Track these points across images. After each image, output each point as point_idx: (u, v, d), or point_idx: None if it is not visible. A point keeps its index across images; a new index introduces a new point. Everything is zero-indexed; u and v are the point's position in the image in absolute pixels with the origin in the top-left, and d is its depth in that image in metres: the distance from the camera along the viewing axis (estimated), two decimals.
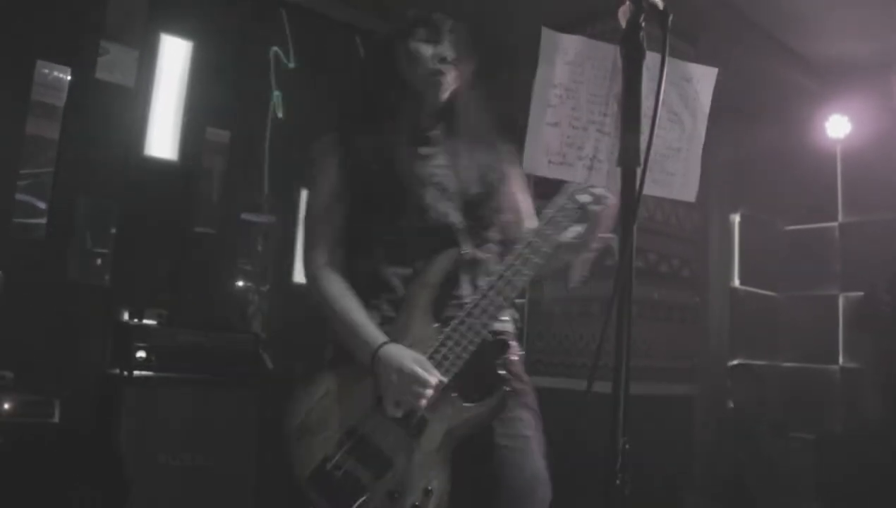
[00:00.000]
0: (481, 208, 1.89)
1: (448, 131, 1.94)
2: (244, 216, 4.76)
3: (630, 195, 1.30)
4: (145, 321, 3.92)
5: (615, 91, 1.39)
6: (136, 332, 3.80)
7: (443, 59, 1.87)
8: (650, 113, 1.29)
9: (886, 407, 4.54)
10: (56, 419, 3.49)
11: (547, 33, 1.35)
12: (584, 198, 1.59)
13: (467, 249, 1.83)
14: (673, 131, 1.42)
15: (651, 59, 1.32)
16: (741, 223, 5.87)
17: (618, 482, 1.29)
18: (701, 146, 1.46)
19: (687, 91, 1.43)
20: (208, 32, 4.54)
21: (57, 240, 4.03)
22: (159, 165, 4.32)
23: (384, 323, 1.80)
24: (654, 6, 1.29)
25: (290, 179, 4.85)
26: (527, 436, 1.83)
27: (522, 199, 2.01)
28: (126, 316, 4.03)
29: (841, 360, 5.66)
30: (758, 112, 5.47)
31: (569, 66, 1.36)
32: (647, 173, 1.27)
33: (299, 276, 4.90)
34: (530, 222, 1.95)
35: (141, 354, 3.76)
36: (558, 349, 4.70)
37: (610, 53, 1.37)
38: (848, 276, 5.70)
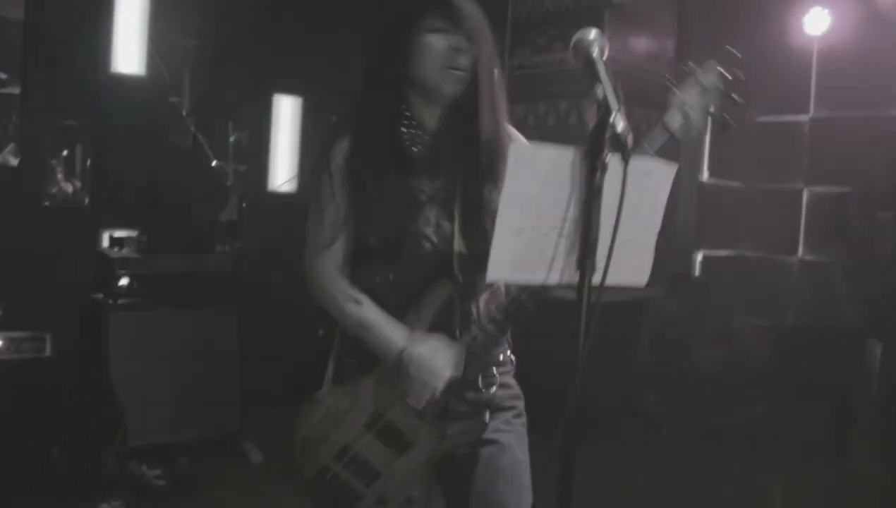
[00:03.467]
0: (479, 230, 1.87)
1: (452, 135, 1.88)
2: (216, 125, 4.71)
3: (587, 296, 1.40)
4: (125, 249, 4.00)
5: (576, 196, 1.45)
6: (118, 262, 3.89)
7: (458, 49, 1.81)
8: (609, 211, 1.37)
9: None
10: (48, 352, 3.66)
11: (513, 147, 1.40)
12: None
13: (460, 278, 1.85)
14: (630, 223, 1.49)
15: (613, 161, 1.38)
16: (713, 114, 5.87)
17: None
18: (656, 234, 1.54)
19: (646, 184, 1.49)
20: None
21: (30, 166, 4.02)
22: (128, 81, 4.25)
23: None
24: (618, 137, 1.33)
25: (261, 86, 4.81)
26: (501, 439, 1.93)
27: None
28: (106, 242, 4.11)
29: (801, 253, 5.89)
30: (736, 7, 5.38)
31: (533, 175, 1.42)
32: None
33: (274, 183, 4.95)
34: None
35: (123, 282, 3.88)
36: None
37: (574, 159, 1.42)
38: (814, 171, 5.82)
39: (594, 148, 1.37)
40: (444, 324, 1.85)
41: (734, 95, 1.78)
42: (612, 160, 1.36)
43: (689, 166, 5.73)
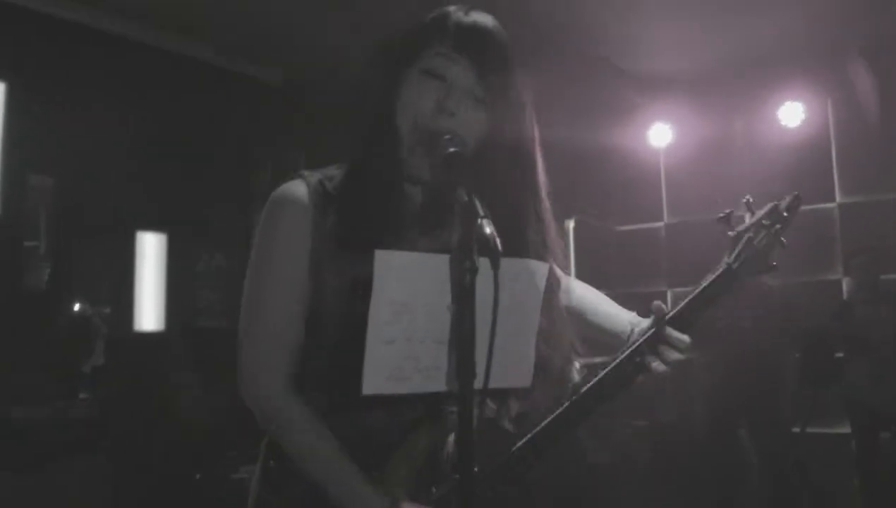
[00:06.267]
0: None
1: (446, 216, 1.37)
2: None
3: (468, 406, 1.32)
4: None
5: (449, 301, 1.41)
6: None
7: (445, 110, 1.37)
8: (486, 317, 1.34)
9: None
10: None
11: (379, 254, 1.36)
12: None
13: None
14: (510, 325, 1.48)
15: (484, 264, 1.35)
16: (576, 228, 6.16)
17: None
18: (535, 334, 1.53)
19: (524, 283, 1.50)
20: (25, 70, 4.25)
21: None
22: None
23: None
24: (485, 241, 1.28)
25: (126, 220, 4.69)
26: None
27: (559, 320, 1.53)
28: None
29: None
30: (588, 125, 5.72)
31: (403, 282, 1.39)
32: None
33: (142, 323, 4.76)
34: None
35: None
36: None
37: (444, 264, 1.39)
38: (673, 273, 6.13)
39: (462, 252, 1.32)
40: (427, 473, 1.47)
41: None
42: (483, 264, 1.33)
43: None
